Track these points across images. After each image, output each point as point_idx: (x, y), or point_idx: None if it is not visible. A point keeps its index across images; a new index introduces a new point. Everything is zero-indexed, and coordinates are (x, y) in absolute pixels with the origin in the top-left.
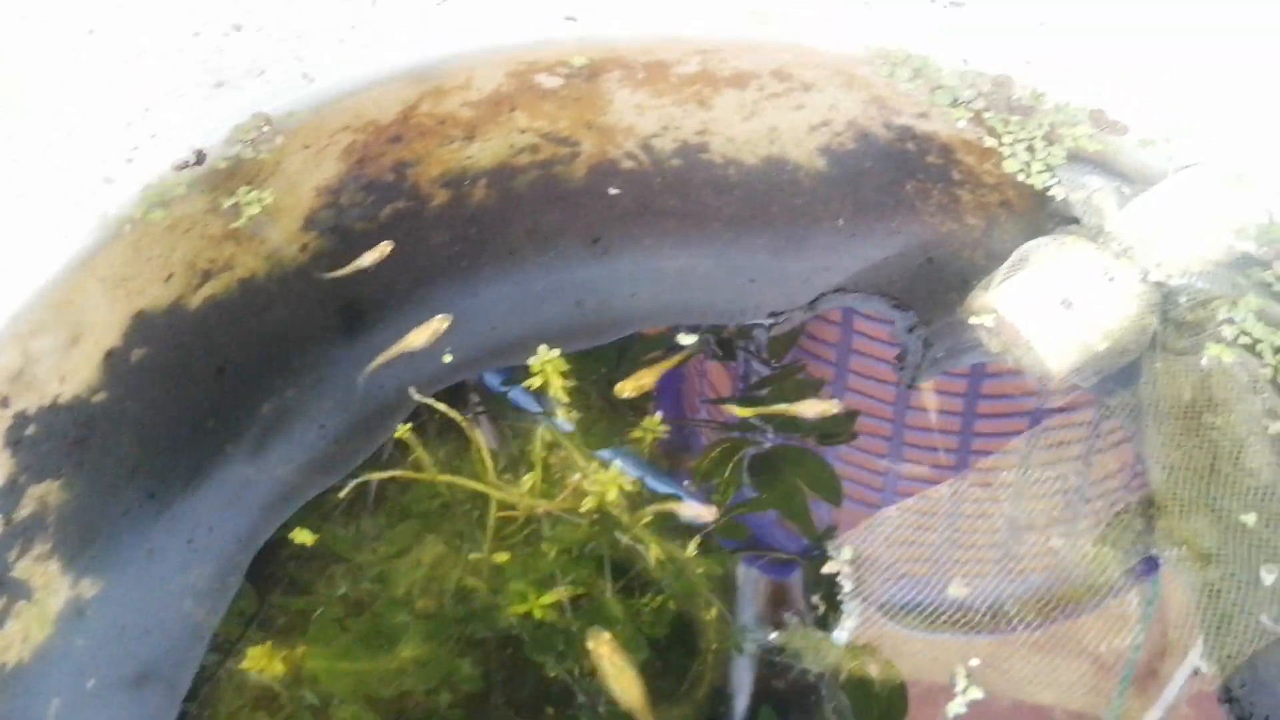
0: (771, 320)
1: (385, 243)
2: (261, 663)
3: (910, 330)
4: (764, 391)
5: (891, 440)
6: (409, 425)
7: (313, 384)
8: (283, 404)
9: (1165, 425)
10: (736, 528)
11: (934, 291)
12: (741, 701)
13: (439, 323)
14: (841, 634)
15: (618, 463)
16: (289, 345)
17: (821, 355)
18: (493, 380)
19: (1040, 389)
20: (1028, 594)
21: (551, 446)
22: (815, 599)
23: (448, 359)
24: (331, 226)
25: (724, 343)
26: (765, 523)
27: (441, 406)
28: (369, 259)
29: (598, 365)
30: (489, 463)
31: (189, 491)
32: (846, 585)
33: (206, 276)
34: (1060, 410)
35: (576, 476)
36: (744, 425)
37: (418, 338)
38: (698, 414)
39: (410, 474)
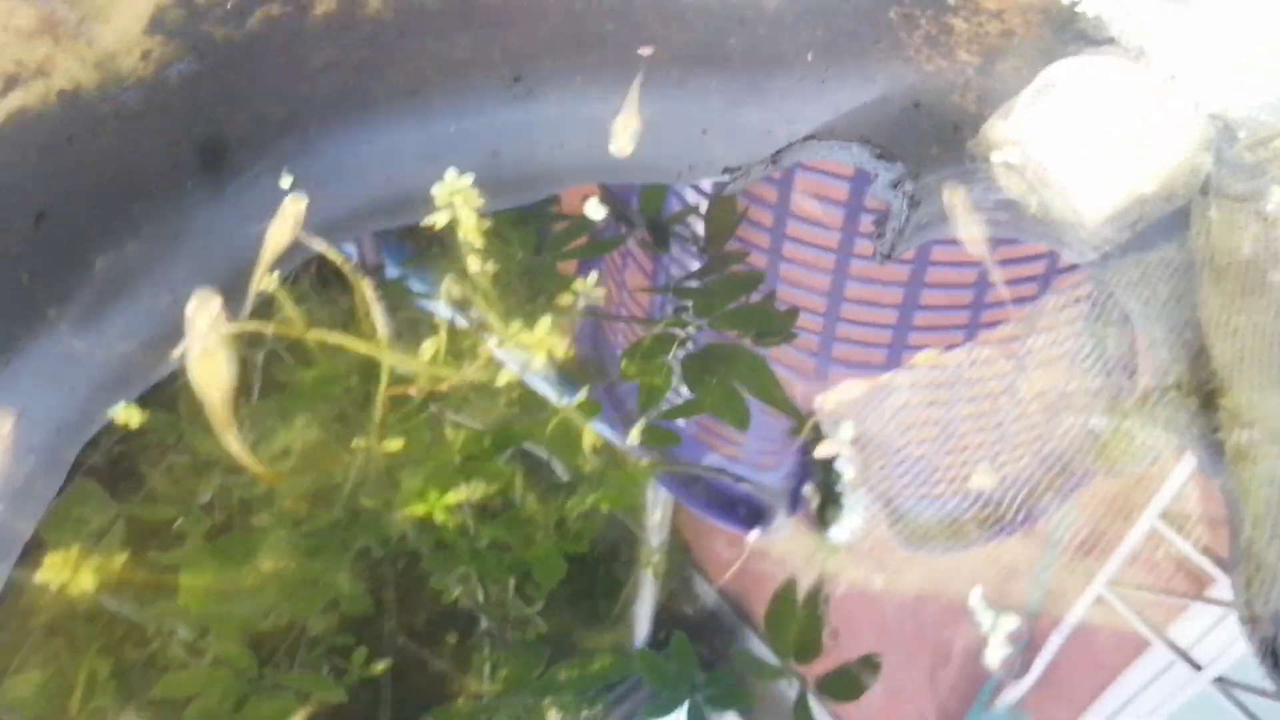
0: (728, 178)
1: None
2: (62, 574)
3: (896, 185)
4: (693, 285)
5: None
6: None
7: (162, 238)
8: (122, 261)
9: (1224, 283)
10: (666, 434)
11: (922, 143)
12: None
13: (291, 205)
14: (841, 532)
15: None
16: (129, 186)
17: (758, 221)
18: (391, 263)
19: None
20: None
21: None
22: (806, 489)
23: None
24: (182, 31)
25: (656, 227)
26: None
27: (323, 248)
28: None
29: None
30: (380, 325)
31: None
32: (848, 472)
33: (13, 83)
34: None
35: (491, 343)
36: (674, 322)
37: (281, 233)
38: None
39: (274, 328)
